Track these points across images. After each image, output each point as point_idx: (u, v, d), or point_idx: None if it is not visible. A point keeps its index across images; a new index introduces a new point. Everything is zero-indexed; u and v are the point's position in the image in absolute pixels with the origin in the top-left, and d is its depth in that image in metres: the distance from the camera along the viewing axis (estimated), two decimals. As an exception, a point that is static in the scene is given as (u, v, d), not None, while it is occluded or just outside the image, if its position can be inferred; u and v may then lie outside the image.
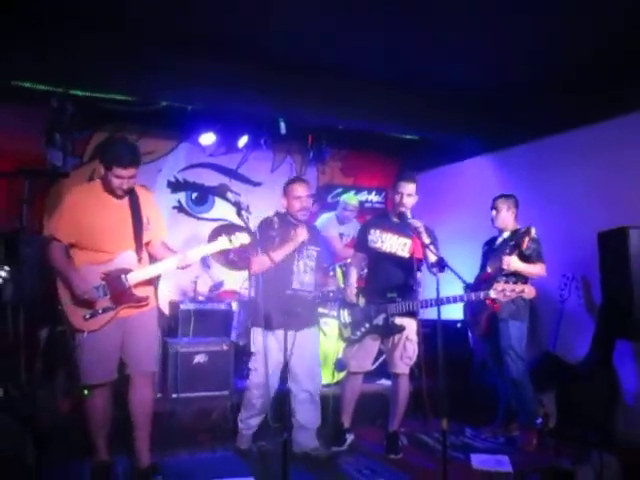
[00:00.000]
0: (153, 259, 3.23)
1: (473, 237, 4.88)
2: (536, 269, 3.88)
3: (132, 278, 3.04)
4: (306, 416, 3.50)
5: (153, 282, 3.25)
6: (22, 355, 3.98)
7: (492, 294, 3.54)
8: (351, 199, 5.55)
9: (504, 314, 3.98)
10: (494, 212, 4.14)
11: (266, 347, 3.36)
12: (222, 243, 3.14)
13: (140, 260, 3.10)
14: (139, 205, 3.13)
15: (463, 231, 5.41)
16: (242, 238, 3.15)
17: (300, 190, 3.53)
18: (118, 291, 3.00)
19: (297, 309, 3.33)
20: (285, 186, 3.62)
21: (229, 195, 3.18)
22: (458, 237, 5.29)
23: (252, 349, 3.51)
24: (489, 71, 4.44)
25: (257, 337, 3.47)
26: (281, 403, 3.49)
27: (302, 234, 3.43)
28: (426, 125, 5.27)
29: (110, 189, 3.02)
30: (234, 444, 3.64)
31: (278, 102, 4.79)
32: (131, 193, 3.11)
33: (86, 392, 3.84)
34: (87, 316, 2.96)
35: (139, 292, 3.08)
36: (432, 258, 3.45)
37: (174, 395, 4.09)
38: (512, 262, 3.80)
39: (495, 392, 4.36)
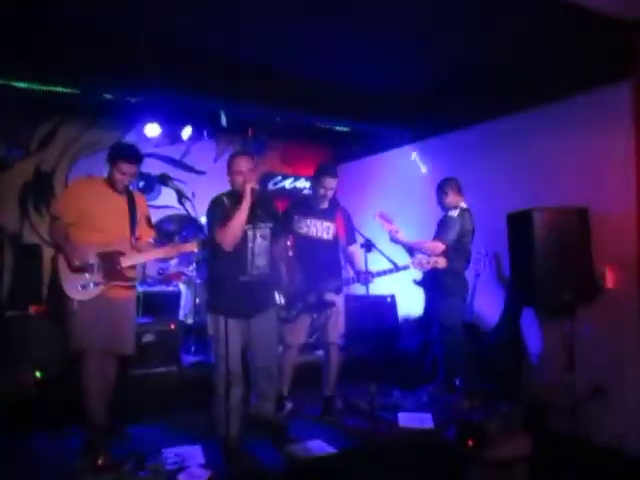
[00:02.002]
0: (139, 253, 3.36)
1: (401, 218, 5.00)
2: (428, 245, 4.05)
3: (124, 260, 3.21)
4: (266, 388, 3.41)
5: (136, 270, 3.39)
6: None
7: (411, 266, 3.73)
8: None
9: (436, 289, 4.16)
10: (440, 195, 4.26)
11: (227, 333, 2.99)
12: (192, 246, 3.41)
13: (132, 247, 3.27)
14: (135, 204, 3.36)
15: (393, 213, 5.52)
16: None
17: (241, 164, 3.20)
18: (110, 269, 3.16)
19: (256, 294, 3.25)
20: (227, 161, 3.32)
21: (170, 183, 3.11)
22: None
23: (210, 333, 3.24)
24: (412, 69, 4.52)
25: (218, 324, 3.12)
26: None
27: (248, 190, 3.09)
28: (354, 118, 5.32)
29: (112, 183, 3.24)
30: (220, 436, 3.10)
31: (219, 98, 4.72)
32: (129, 193, 3.36)
33: (38, 374, 3.77)
34: (80, 287, 3.07)
35: (128, 274, 3.24)
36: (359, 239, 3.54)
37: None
38: (398, 235, 4.05)
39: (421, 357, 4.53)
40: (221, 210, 3.19)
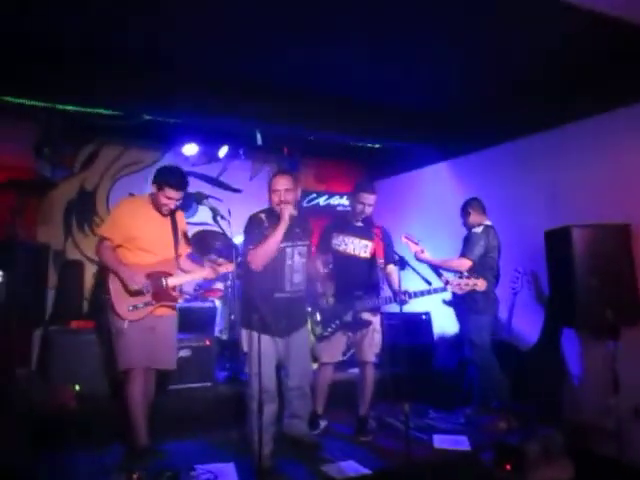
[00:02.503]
0: (180, 269, 3.44)
1: (434, 234, 4.95)
2: (454, 262, 4.05)
3: (171, 281, 3.29)
4: (299, 407, 3.41)
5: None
6: (15, 354, 3.94)
7: (450, 288, 3.63)
8: None
9: (466, 308, 4.08)
10: (464, 216, 4.31)
11: (264, 351, 2.97)
12: (230, 266, 3.46)
13: (176, 267, 3.37)
14: (177, 222, 3.42)
15: (424, 230, 5.46)
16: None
17: (279, 183, 3.24)
18: (158, 290, 3.23)
19: (292, 312, 3.27)
20: (268, 181, 3.38)
21: (205, 201, 3.15)
22: (420, 236, 5.34)
23: (245, 349, 3.24)
24: (444, 86, 4.48)
25: (252, 340, 3.10)
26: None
27: (287, 208, 3.16)
28: (387, 136, 5.31)
29: (157, 206, 3.29)
30: (255, 462, 2.90)
31: (254, 119, 4.79)
32: (171, 212, 3.38)
33: (77, 387, 3.85)
34: (130, 308, 3.14)
35: (174, 293, 3.33)
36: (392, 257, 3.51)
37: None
38: (423, 256, 4.06)
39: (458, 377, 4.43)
40: (258, 229, 3.22)
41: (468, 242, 4.11)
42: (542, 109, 4.44)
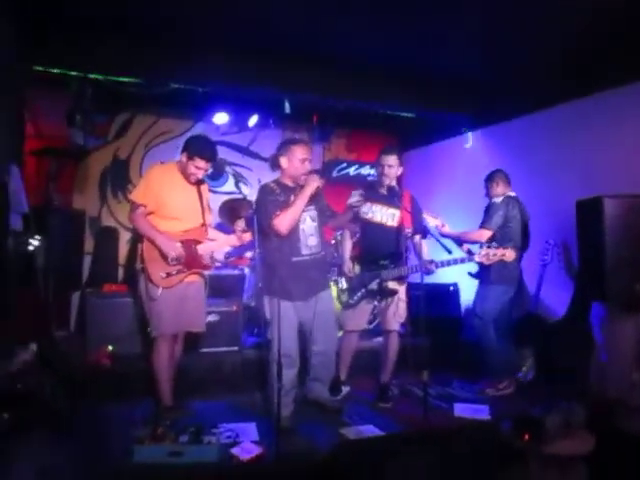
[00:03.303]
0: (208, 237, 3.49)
1: (464, 205, 4.89)
2: (474, 235, 4.03)
3: (201, 248, 3.35)
4: (322, 371, 3.47)
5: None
6: (53, 315, 4.14)
7: (476, 258, 3.58)
8: None
9: (487, 278, 4.06)
10: (485, 189, 4.28)
11: (285, 316, 3.05)
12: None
13: (205, 235, 3.41)
14: (201, 193, 3.45)
15: (454, 200, 5.40)
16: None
17: (305, 152, 3.24)
18: (190, 257, 3.29)
19: (311, 275, 3.30)
20: (283, 147, 3.30)
21: (227, 168, 3.19)
22: (451, 205, 5.28)
23: (267, 315, 3.28)
24: (477, 56, 4.38)
25: (273, 306, 3.14)
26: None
27: (314, 179, 3.18)
28: (421, 104, 5.22)
29: (186, 175, 3.31)
30: (277, 422, 2.88)
31: (285, 86, 4.79)
32: (198, 181, 3.41)
33: (110, 347, 4.03)
34: (164, 275, 3.20)
35: (204, 261, 3.39)
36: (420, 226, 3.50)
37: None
38: (441, 229, 3.98)
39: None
40: (273, 196, 3.24)
41: (488, 212, 4.09)
42: (574, 77, 4.30)
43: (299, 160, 3.24)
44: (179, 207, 3.32)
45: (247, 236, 3.51)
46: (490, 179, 4.24)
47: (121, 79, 4.16)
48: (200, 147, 3.28)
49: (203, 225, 3.45)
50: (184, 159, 3.28)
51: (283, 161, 3.29)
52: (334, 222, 3.65)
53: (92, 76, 4.08)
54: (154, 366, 3.31)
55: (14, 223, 3.47)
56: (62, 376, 3.57)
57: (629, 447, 3.26)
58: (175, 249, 3.21)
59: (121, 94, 4.58)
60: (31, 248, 3.92)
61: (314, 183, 3.17)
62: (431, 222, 3.99)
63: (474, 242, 3.90)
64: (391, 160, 3.66)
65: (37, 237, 3.92)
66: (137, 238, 3.41)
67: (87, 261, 5.30)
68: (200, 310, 3.49)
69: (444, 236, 3.99)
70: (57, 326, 4.41)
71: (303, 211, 3.26)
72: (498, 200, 4.09)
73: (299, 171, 3.24)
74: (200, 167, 3.27)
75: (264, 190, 3.30)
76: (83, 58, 4.00)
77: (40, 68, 3.85)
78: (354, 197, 3.70)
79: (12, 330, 3.53)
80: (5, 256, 3.30)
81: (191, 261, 3.31)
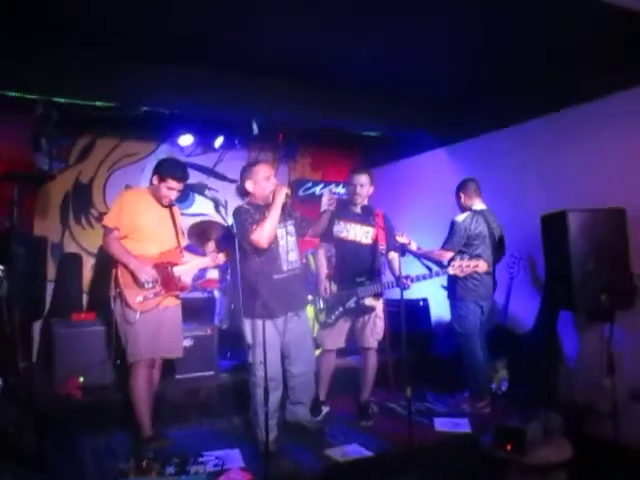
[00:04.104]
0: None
1: (433, 222, 4.99)
2: (435, 253, 4.05)
3: (177, 270, 3.36)
4: (303, 393, 3.48)
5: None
6: (18, 346, 3.96)
7: (450, 271, 3.68)
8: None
9: (454, 294, 4.16)
10: (456, 200, 4.32)
11: (267, 338, 2.97)
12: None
13: (179, 257, 3.42)
14: (174, 215, 3.49)
15: (423, 217, 5.51)
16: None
17: (268, 170, 3.32)
18: (166, 280, 3.30)
19: (292, 290, 3.31)
20: (247, 169, 3.35)
21: (207, 192, 3.19)
22: (419, 222, 5.39)
23: (248, 338, 3.23)
24: (444, 73, 4.49)
25: (256, 328, 3.13)
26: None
27: (281, 189, 3.20)
28: (385, 123, 5.33)
29: (158, 197, 3.34)
30: (260, 447, 3.06)
31: (249, 106, 4.79)
32: (169, 204, 3.46)
33: (82, 379, 3.89)
34: (141, 299, 3.19)
35: (180, 283, 3.40)
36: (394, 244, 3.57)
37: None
38: (407, 246, 3.96)
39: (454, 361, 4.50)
40: (249, 215, 3.26)
41: (449, 232, 4.11)
42: (540, 94, 4.47)
43: (263, 179, 3.28)
44: (153, 230, 3.33)
45: (221, 257, 3.54)
46: (459, 189, 4.28)
47: (87, 102, 4.08)
48: (172, 168, 3.34)
49: (178, 247, 3.46)
50: (156, 182, 3.32)
51: (249, 185, 3.32)
52: (313, 230, 3.61)
53: (57, 99, 3.99)
54: (132, 394, 3.23)
55: (-22, 254, 3.33)
56: (31, 410, 3.43)
57: (602, 453, 3.40)
58: (148, 272, 3.20)
59: (84, 117, 4.51)
60: (-6, 278, 3.77)
61: (282, 192, 3.19)
62: (398, 239, 4.05)
63: (437, 262, 3.94)
64: (363, 179, 3.75)
65: (0, 267, 3.78)
66: (110, 263, 3.34)
67: (49, 288, 5.12)
68: (177, 335, 3.49)
69: (410, 253, 4.05)
70: (22, 356, 4.22)
71: (281, 227, 3.30)
72: (460, 219, 4.09)
73: (266, 190, 3.27)
74: (173, 188, 3.31)
75: (239, 211, 3.31)
76: (48, 80, 3.90)
77: (6, 92, 3.74)
78: (325, 197, 3.65)
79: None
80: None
81: (167, 283, 3.31)
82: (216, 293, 5.29)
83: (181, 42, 3.88)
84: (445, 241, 4.10)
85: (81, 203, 5.54)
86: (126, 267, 3.19)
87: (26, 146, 4.18)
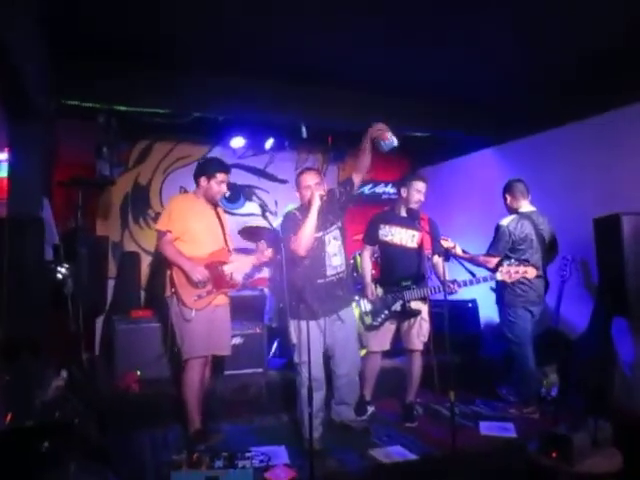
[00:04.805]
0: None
1: (481, 225, 4.92)
2: (481, 258, 4.00)
3: (227, 269, 3.50)
4: (348, 393, 3.54)
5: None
6: (82, 340, 4.23)
7: (498, 276, 3.65)
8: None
9: (502, 300, 4.10)
10: (504, 201, 4.24)
11: (312, 340, 3.02)
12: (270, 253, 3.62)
13: (228, 256, 3.55)
14: (220, 217, 3.65)
15: (471, 220, 5.45)
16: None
17: (308, 179, 3.39)
18: (217, 278, 3.43)
19: (336, 293, 3.38)
20: (296, 179, 3.51)
21: (254, 198, 3.29)
22: (467, 226, 5.34)
23: (293, 339, 3.35)
24: (492, 74, 4.44)
25: (300, 329, 3.24)
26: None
27: (317, 197, 3.25)
28: (436, 124, 5.31)
29: (210, 196, 3.49)
30: (305, 445, 3.03)
31: (300, 111, 4.92)
32: (215, 206, 3.61)
33: (139, 373, 4.11)
34: (195, 297, 3.35)
35: (231, 281, 3.53)
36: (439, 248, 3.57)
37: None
38: (452, 251, 3.91)
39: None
40: (293, 221, 3.36)
41: (494, 236, 4.03)
42: (589, 94, 4.35)
43: (304, 188, 3.39)
44: (202, 231, 3.47)
45: (267, 254, 3.62)
46: (505, 190, 4.20)
47: (145, 110, 4.30)
48: (216, 165, 3.52)
49: (226, 247, 3.59)
50: (204, 182, 3.47)
51: (299, 194, 3.47)
52: (358, 165, 3.49)
53: (117, 108, 4.22)
54: (185, 389, 3.39)
55: (47, 254, 3.58)
56: (92, 402, 3.66)
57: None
58: (201, 272, 3.34)
59: (142, 123, 4.74)
60: (60, 276, 4.04)
61: (316, 196, 3.26)
62: (442, 244, 4.03)
63: (484, 267, 3.90)
64: (421, 186, 3.77)
65: (66, 265, 4.04)
66: (165, 265, 3.52)
67: (110, 285, 5.41)
68: (227, 333, 3.62)
69: (455, 258, 4.01)
70: (85, 350, 4.49)
71: (326, 233, 3.37)
72: (504, 223, 4.02)
73: (306, 198, 3.37)
74: (223, 180, 3.48)
75: (285, 217, 3.48)
76: (110, 90, 4.15)
77: (72, 102, 3.99)
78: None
79: (45, 357, 3.63)
80: (42, 287, 3.40)
81: (219, 281, 3.45)
82: (266, 291, 5.42)
83: (231, 55, 4.03)
84: (490, 246, 4.05)
85: (139, 204, 5.82)
86: (180, 268, 3.36)
87: (89, 150, 4.45)
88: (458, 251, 3.98)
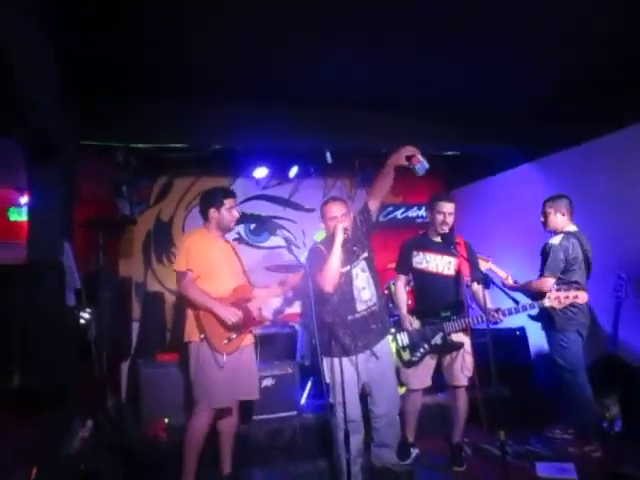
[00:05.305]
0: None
1: (525, 245, 4.84)
2: (534, 284, 3.92)
3: (252, 306, 3.50)
4: (388, 435, 3.46)
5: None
6: (108, 387, 4.30)
7: (547, 303, 3.56)
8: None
9: (551, 325, 4.00)
10: (542, 217, 4.13)
11: (346, 378, 3.09)
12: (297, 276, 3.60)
13: (253, 291, 3.55)
14: (235, 250, 3.66)
15: (513, 239, 5.37)
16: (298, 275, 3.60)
17: (334, 210, 3.36)
18: (245, 316, 3.40)
19: (369, 328, 3.34)
20: (320, 209, 3.48)
21: (278, 232, 3.31)
22: (508, 246, 5.26)
23: (327, 379, 3.27)
24: (523, 88, 4.42)
25: (334, 368, 3.20)
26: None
27: (340, 230, 3.23)
28: (468, 141, 5.29)
29: (224, 225, 3.52)
30: None
31: (323, 135, 4.98)
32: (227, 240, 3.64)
33: (166, 420, 4.14)
34: (226, 341, 3.32)
35: (257, 318, 3.54)
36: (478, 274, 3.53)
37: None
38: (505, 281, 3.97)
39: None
40: (318, 255, 3.35)
41: (545, 257, 3.95)
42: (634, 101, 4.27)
43: (329, 220, 3.37)
44: (222, 267, 3.46)
45: (290, 282, 3.61)
46: (549, 206, 4.08)
47: (163, 145, 4.43)
48: (219, 192, 3.57)
49: (247, 281, 3.60)
50: (214, 214, 3.49)
51: (324, 225, 3.48)
52: (374, 190, 3.47)
53: (136, 145, 4.37)
54: (188, 439, 3.35)
55: (69, 299, 3.68)
56: (120, 451, 3.70)
57: None
58: (234, 314, 3.31)
59: (162, 159, 4.89)
60: (83, 322, 4.14)
61: (340, 229, 3.24)
62: (498, 274, 3.99)
63: (539, 292, 3.80)
64: (449, 207, 3.72)
65: (89, 310, 4.15)
66: (186, 307, 3.48)
67: (135, 327, 5.50)
68: (254, 376, 3.58)
69: (510, 289, 3.94)
70: (110, 396, 4.55)
71: (353, 266, 3.36)
72: (556, 242, 3.95)
73: (332, 228, 3.35)
74: (232, 206, 3.51)
75: (310, 252, 3.50)
76: (126, 127, 4.31)
77: (89, 142, 4.15)
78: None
79: (71, 407, 3.70)
80: (65, 335, 3.49)
81: (247, 320, 3.42)
82: (297, 327, 5.41)
83: (247, 83, 4.14)
84: (544, 268, 3.95)
85: (162, 241, 5.95)
86: (209, 311, 3.30)
87: (109, 187, 4.60)
88: (510, 282, 3.92)
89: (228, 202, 3.48)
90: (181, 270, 3.37)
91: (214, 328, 3.31)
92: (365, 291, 3.38)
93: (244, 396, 3.50)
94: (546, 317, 3.99)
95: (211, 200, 3.52)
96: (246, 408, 3.90)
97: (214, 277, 3.40)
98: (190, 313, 3.41)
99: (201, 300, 3.32)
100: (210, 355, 3.29)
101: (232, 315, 3.29)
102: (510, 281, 3.99)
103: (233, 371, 3.33)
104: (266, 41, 3.54)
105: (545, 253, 4.00)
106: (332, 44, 3.66)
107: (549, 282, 3.86)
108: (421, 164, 3.23)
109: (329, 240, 3.37)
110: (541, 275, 3.96)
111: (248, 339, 3.51)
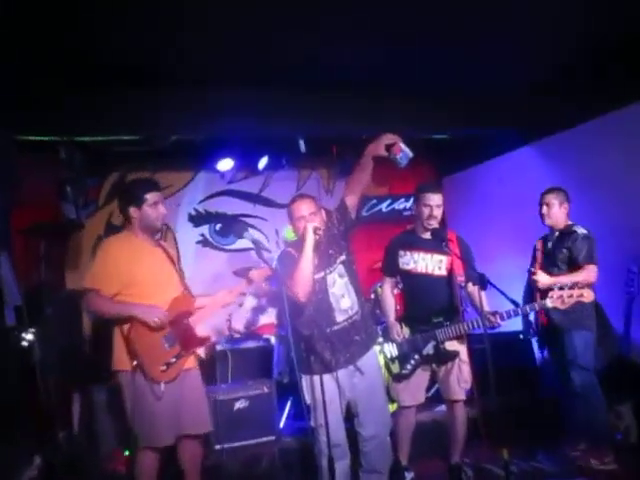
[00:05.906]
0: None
1: (521, 238, 4.89)
2: (581, 275, 3.84)
3: (193, 321, 3.31)
4: (378, 459, 3.41)
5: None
6: (57, 418, 4.25)
7: (549, 303, 3.60)
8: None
9: (566, 324, 4.03)
10: (544, 208, 4.12)
11: (328, 398, 3.04)
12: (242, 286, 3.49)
13: (195, 302, 3.38)
14: (169, 253, 3.45)
15: (509, 232, 5.43)
16: (263, 272, 3.43)
17: (302, 209, 3.28)
18: (185, 334, 3.24)
19: (352, 339, 3.30)
20: (287, 210, 3.39)
21: (246, 234, 3.19)
22: (503, 240, 5.32)
23: (307, 399, 3.23)
24: (515, 67, 4.50)
25: (314, 386, 3.18)
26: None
27: (310, 231, 3.15)
28: (456, 124, 5.35)
29: (149, 225, 3.28)
30: None
31: (296, 121, 4.99)
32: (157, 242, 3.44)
33: (127, 452, 4.11)
34: (164, 367, 3.10)
35: (201, 335, 3.34)
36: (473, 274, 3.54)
37: (217, 447, 4.11)
38: (541, 279, 3.89)
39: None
40: (290, 260, 3.28)
41: (584, 246, 3.92)
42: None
43: (297, 219, 3.30)
44: (151, 278, 3.25)
45: (254, 280, 3.48)
46: (554, 197, 4.09)
47: (114, 138, 4.39)
48: (140, 186, 3.35)
49: (185, 291, 3.41)
50: (135, 213, 3.25)
51: (291, 226, 3.42)
52: (350, 184, 3.37)
53: (81, 139, 4.31)
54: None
55: (8, 318, 3.63)
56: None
57: None
58: (160, 314, 3.10)
59: (110, 154, 4.83)
60: (25, 343, 4.09)
61: (309, 230, 3.17)
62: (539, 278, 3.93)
63: (587, 286, 3.71)
64: (436, 199, 3.70)
65: (32, 330, 4.10)
66: (116, 326, 3.18)
67: (86, 348, 5.44)
68: (201, 406, 3.37)
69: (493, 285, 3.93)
70: (60, 428, 4.50)
71: (328, 272, 3.31)
72: (585, 231, 3.98)
73: (300, 230, 3.29)
74: (157, 201, 3.28)
75: (280, 258, 3.42)
76: (70, 119, 4.24)
77: (27, 137, 4.09)
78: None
79: (14, 442, 3.66)
80: (5, 359, 3.43)
81: (187, 339, 3.25)
82: (272, 340, 5.39)
83: (210, 65, 4.12)
84: (583, 256, 3.91)
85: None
86: (131, 319, 3.07)
87: (51, 188, 4.51)
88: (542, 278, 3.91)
89: (151, 197, 3.24)
90: (90, 287, 3.15)
91: (148, 352, 3.09)
92: (344, 299, 3.33)
93: (190, 430, 3.28)
94: (554, 315, 4.03)
95: (129, 197, 3.28)
96: (209, 435, 3.76)
97: (140, 293, 3.17)
98: (118, 336, 3.18)
99: (116, 310, 3.13)
100: (145, 385, 3.10)
101: (157, 315, 3.08)
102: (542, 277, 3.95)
103: (174, 402, 3.15)
104: (230, 21, 3.53)
105: (583, 243, 3.94)
106: (307, 21, 3.67)
107: (593, 272, 3.86)
108: (403, 153, 3.13)
109: (300, 242, 3.30)
110: (585, 264, 3.90)
111: (190, 361, 3.31)
